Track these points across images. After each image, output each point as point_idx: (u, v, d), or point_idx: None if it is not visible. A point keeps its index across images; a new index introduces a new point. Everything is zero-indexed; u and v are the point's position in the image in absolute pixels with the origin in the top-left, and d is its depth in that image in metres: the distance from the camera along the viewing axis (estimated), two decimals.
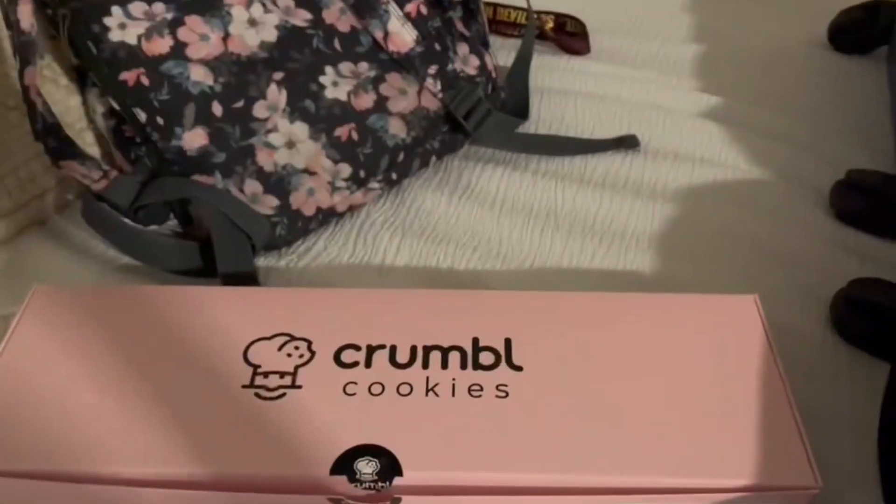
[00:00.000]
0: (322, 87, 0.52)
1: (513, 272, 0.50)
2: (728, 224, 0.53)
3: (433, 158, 0.57)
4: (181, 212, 0.51)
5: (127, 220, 0.48)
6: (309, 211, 0.51)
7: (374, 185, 0.54)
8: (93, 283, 0.48)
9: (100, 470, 0.34)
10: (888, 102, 0.64)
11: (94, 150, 0.53)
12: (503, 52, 0.68)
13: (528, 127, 0.63)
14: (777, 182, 0.57)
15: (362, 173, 0.53)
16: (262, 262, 0.51)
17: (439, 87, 0.55)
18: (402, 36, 0.54)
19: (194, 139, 0.48)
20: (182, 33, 0.48)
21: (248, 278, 0.48)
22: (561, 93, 0.65)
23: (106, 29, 0.47)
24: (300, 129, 0.51)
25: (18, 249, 0.51)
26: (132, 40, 0.47)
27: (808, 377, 0.44)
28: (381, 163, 0.54)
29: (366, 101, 0.53)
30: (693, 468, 0.35)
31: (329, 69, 0.52)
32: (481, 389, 0.37)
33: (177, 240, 0.50)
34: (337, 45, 0.52)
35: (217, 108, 0.48)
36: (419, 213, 0.55)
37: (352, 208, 0.54)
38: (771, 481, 0.34)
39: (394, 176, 0.55)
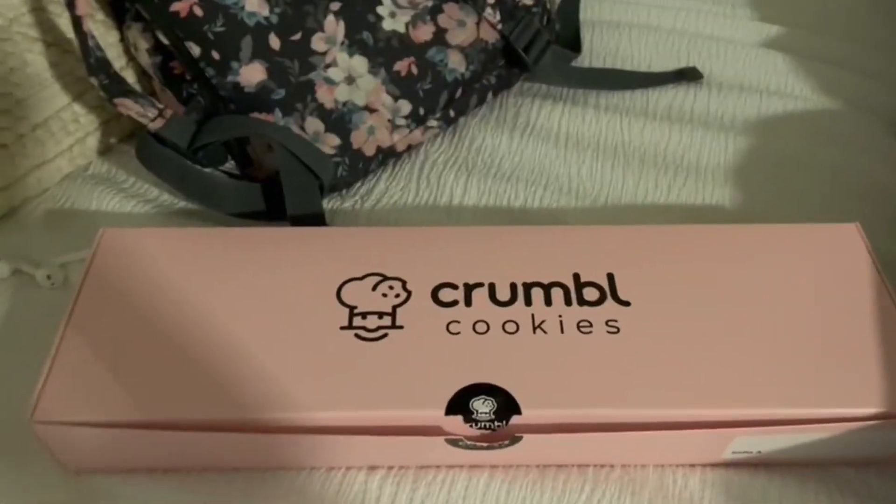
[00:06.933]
0: (380, 17, 0.49)
1: (589, 209, 0.48)
2: (805, 155, 0.51)
3: (489, 95, 0.54)
4: (240, 153, 0.48)
5: (187, 162, 0.45)
6: (369, 151, 0.49)
7: (433, 122, 0.51)
8: (162, 227, 0.45)
9: (198, 417, 0.33)
10: None
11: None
12: None
13: (581, 61, 0.60)
14: (848, 111, 0.55)
15: (422, 110, 0.50)
16: (325, 204, 0.49)
17: (498, 17, 0.52)
18: None
19: (252, 74, 0.45)
20: None
21: (317, 220, 0.46)
22: (613, 25, 0.63)
23: None
24: (359, 63, 0.48)
25: (65, 195, 0.48)
26: None
27: None
28: (440, 99, 0.51)
29: (424, 32, 0.50)
30: (815, 398, 0.34)
31: None
32: (591, 325, 0.36)
33: (238, 181, 0.47)
34: None
35: (274, 41, 0.45)
36: (481, 151, 0.53)
37: (410, 148, 0.52)
38: None
39: (451, 113, 0.52)
